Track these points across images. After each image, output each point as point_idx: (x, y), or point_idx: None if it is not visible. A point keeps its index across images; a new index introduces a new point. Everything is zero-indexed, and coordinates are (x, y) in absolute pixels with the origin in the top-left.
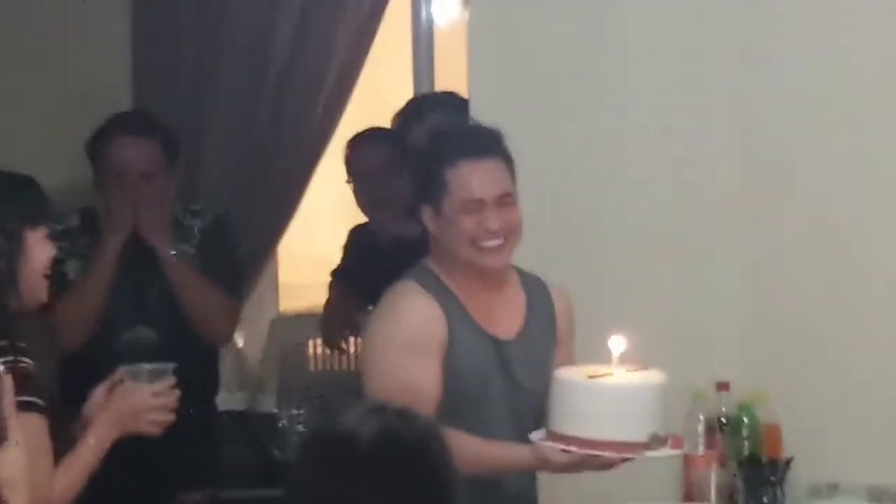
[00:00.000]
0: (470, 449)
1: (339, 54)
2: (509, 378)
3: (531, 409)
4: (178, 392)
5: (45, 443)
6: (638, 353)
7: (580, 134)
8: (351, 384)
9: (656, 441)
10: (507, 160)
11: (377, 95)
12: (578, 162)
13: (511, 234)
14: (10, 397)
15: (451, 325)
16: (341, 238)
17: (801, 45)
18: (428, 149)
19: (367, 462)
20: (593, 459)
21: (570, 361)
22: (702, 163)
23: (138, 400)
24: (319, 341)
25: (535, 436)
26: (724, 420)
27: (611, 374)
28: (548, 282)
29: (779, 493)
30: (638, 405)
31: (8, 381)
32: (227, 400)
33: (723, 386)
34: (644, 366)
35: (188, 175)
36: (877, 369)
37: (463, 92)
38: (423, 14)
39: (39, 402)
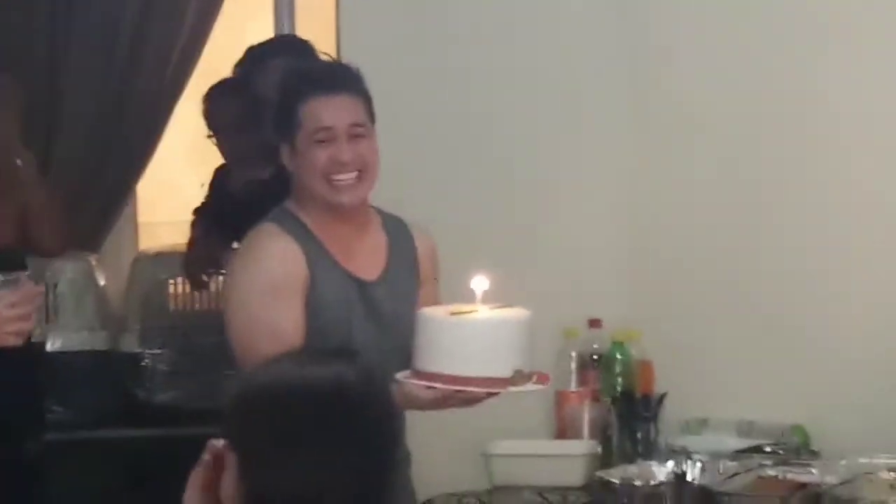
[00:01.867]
0: None
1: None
2: (374, 318)
3: (397, 350)
4: (37, 294)
5: None
6: (508, 290)
7: (446, 69)
8: (214, 322)
9: (521, 376)
10: (364, 97)
11: (234, 39)
12: (445, 97)
13: (365, 168)
14: None
15: (311, 265)
16: (198, 177)
17: None
18: (282, 87)
19: (315, 404)
20: (458, 394)
21: (436, 302)
22: (583, 92)
23: None
24: (180, 280)
25: (401, 375)
26: (596, 357)
27: (474, 311)
28: (410, 223)
29: (652, 428)
30: (501, 340)
31: None
32: (90, 339)
33: (595, 323)
34: (508, 304)
35: (45, 115)
36: (747, 306)
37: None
38: None
39: None
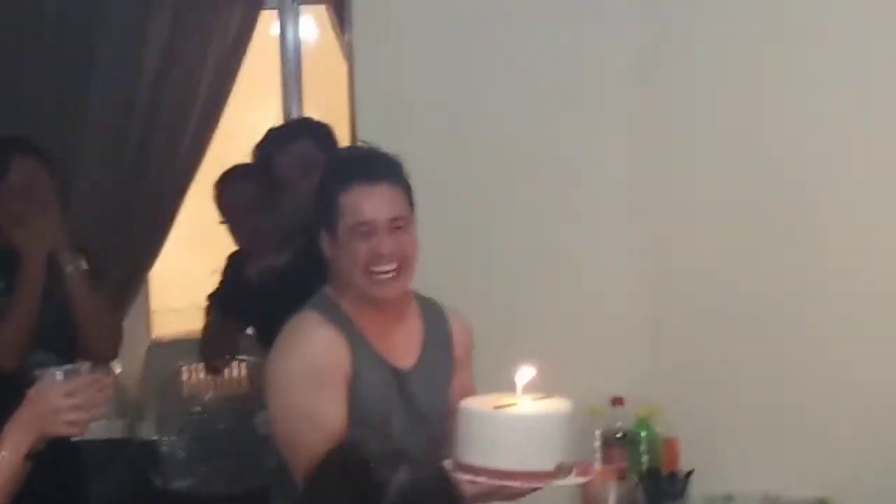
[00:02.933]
0: None
1: (204, 87)
2: (410, 408)
3: (432, 438)
4: (97, 387)
5: None
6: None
7: (464, 156)
8: (229, 408)
9: (563, 469)
10: (405, 187)
11: (243, 127)
12: (462, 183)
13: (405, 261)
14: None
15: (353, 356)
16: (209, 264)
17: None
18: (325, 174)
19: None
20: (502, 490)
21: (470, 386)
22: (591, 178)
23: (51, 400)
24: (193, 367)
25: (444, 466)
26: (620, 435)
27: (516, 404)
28: (445, 306)
29: None
30: (544, 434)
31: None
32: (106, 428)
33: (617, 401)
34: (548, 394)
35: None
36: (770, 382)
37: (340, 118)
38: (291, 39)
39: None
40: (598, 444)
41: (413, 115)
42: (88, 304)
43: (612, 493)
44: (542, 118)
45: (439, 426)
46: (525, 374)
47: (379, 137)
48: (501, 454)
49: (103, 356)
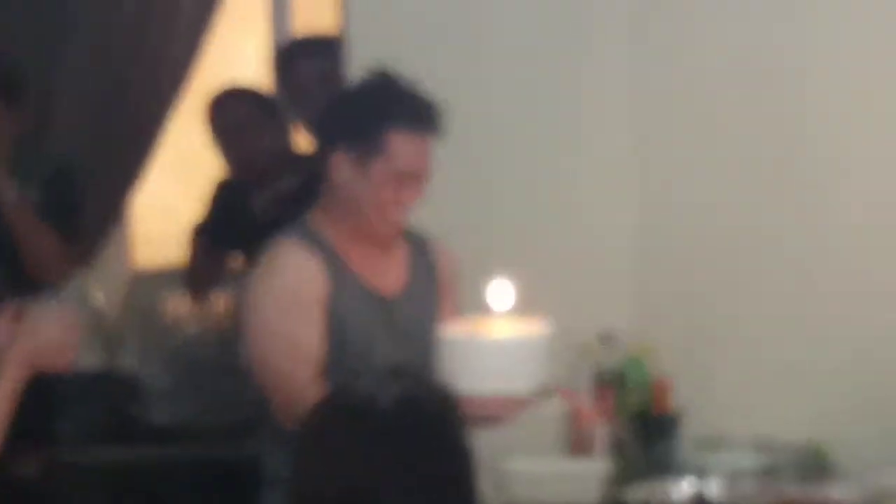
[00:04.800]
0: None
1: (187, 11)
2: (395, 335)
3: (420, 364)
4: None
5: None
6: (522, 303)
7: (459, 73)
8: (212, 340)
9: (544, 393)
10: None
11: (228, 55)
12: (456, 101)
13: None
14: None
15: (332, 280)
16: (193, 193)
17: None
18: (367, 98)
19: (386, 429)
20: (481, 415)
21: (455, 314)
22: (591, 103)
23: (51, 333)
24: (176, 297)
25: None
26: (610, 373)
27: (493, 328)
28: (431, 238)
29: (668, 446)
30: (522, 358)
31: None
32: (86, 359)
33: (609, 339)
34: (527, 316)
35: (38, 127)
36: (763, 321)
37: None
38: None
39: None
40: (588, 381)
41: (406, 40)
42: (26, 231)
43: (600, 433)
44: (540, 47)
45: (427, 353)
46: (499, 289)
47: (370, 62)
48: (479, 379)
49: (46, 282)
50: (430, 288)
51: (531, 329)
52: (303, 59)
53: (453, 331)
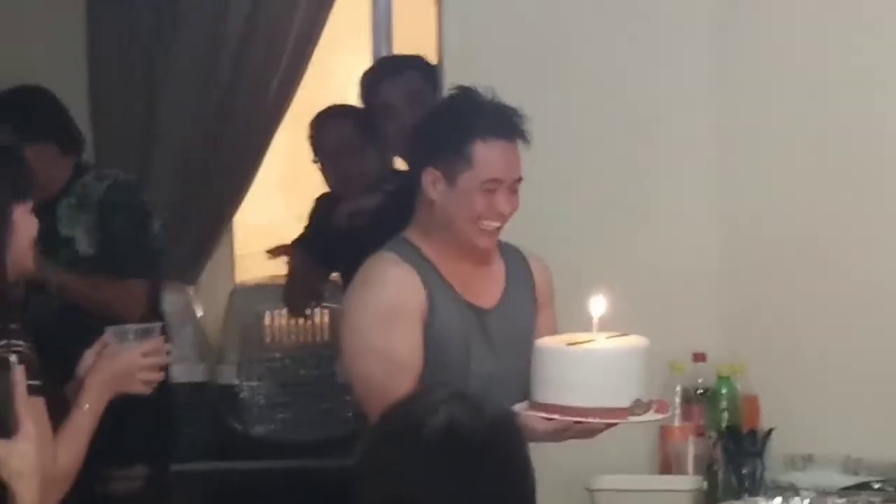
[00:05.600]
0: None
1: (295, 29)
2: (490, 347)
3: (514, 379)
4: (166, 350)
5: (46, 422)
6: (614, 322)
7: (550, 104)
8: (311, 355)
9: (639, 406)
10: (527, 144)
11: (331, 73)
12: (547, 132)
13: (509, 216)
14: (22, 389)
15: (430, 293)
16: (292, 210)
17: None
18: (451, 113)
19: (430, 451)
20: (577, 426)
21: (553, 327)
22: (675, 121)
23: (129, 360)
24: (276, 312)
25: (519, 406)
26: (700, 391)
27: (591, 340)
28: (525, 251)
29: (758, 464)
30: (619, 370)
31: (20, 372)
32: (187, 371)
33: (700, 357)
34: (624, 332)
35: (143, 144)
36: (853, 340)
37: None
38: None
39: (39, 383)
40: (678, 399)
41: (501, 61)
42: (83, 298)
43: (691, 450)
44: (625, 70)
45: (522, 366)
46: (598, 304)
47: (466, 83)
48: (576, 391)
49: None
50: (527, 301)
51: (629, 342)
52: (388, 78)
53: (551, 342)
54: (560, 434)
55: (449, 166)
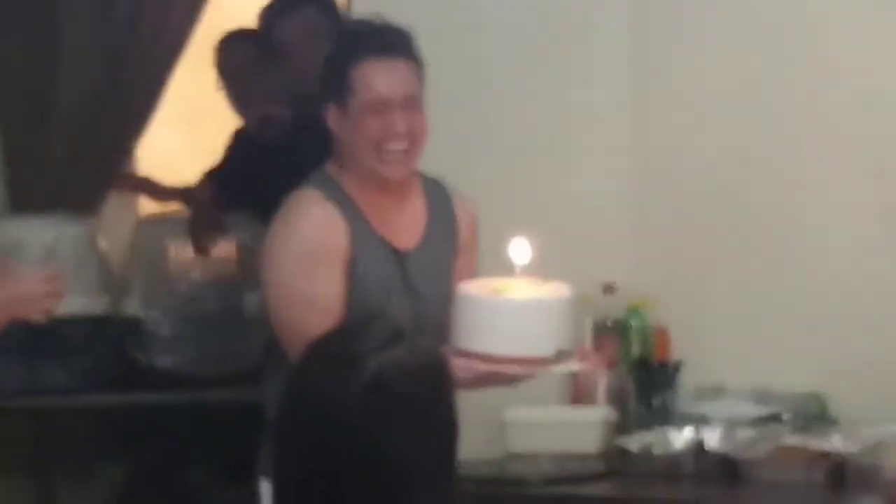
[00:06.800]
0: None
1: None
2: (409, 290)
3: (432, 320)
4: (65, 280)
5: None
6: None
7: (468, 37)
8: (216, 287)
9: (563, 355)
10: (417, 63)
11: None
12: (460, 65)
13: (415, 141)
14: None
15: (353, 235)
16: (198, 144)
17: None
18: (335, 45)
19: (370, 391)
20: (498, 375)
21: (472, 271)
22: (592, 65)
23: (29, 284)
24: (181, 245)
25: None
26: (610, 323)
27: (515, 288)
28: (450, 188)
29: (668, 396)
30: (543, 320)
31: None
32: (90, 303)
33: (610, 288)
34: (546, 278)
35: (44, 74)
36: (763, 272)
37: None
38: None
39: None
40: (589, 332)
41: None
42: None
43: (602, 382)
44: (538, 6)
45: (440, 309)
46: (520, 249)
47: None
48: (499, 339)
49: None
50: (448, 243)
51: (552, 291)
52: (284, 15)
53: (474, 290)
54: (481, 382)
55: (339, 97)
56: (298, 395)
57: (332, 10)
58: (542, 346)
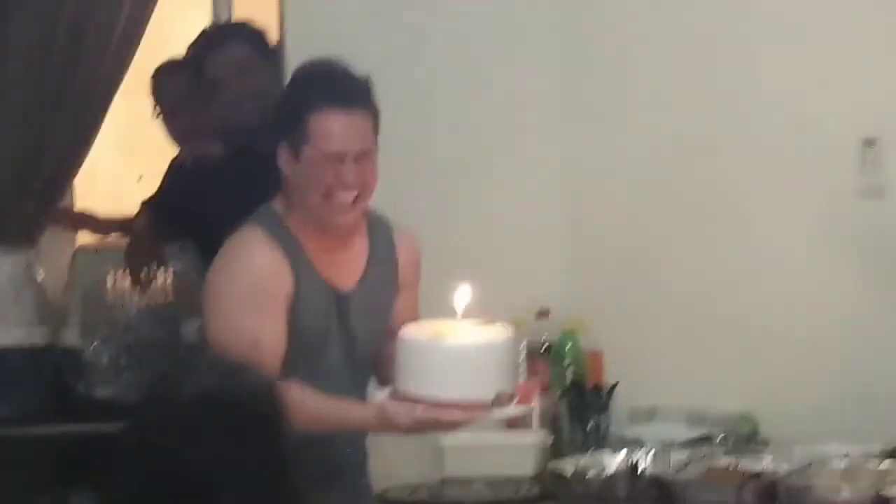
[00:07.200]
0: (313, 404)
1: None
2: (346, 330)
3: (366, 358)
4: None
5: None
6: (454, 280)
7: (397, 70)
8: (155, 316)
9: (502, 398)
10: (375, 113)
11: (171, 33)
12: (393, 95)
13: (365, 189)
14: None
15: (296, 277)
16: (136, 169)
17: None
18: (292, 88)
19: (190, 416)
20: (439, 421)
21: (413, 307)
22: (521, 91)
23: None
24: (119, 274)
25: (380, 395)
26: (545, 347)
27: (455, 332)
28: (393, 225)
29: (602, 418)
30: (482, 364)
31: None
32: (28, 334)
33: (543, 313)
34: (489, 319)
35: None
36: (695, 295)
37: (270, 24)
38: None
39: None
40: (523, 355)
41: (344, 22)
42: None
43: (535, 406)
44: (470, 30)
45: (373, 349)
46: (463, 295)
47: (307, 43)
48: (439, 384)
49: None
50: (387, 282)
51: (493, 334)
52: (212, 51)
53: (414, 333)
54: (421, 427)
55: (293, 141)
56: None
57: (261, 44)
58: (483, 390)
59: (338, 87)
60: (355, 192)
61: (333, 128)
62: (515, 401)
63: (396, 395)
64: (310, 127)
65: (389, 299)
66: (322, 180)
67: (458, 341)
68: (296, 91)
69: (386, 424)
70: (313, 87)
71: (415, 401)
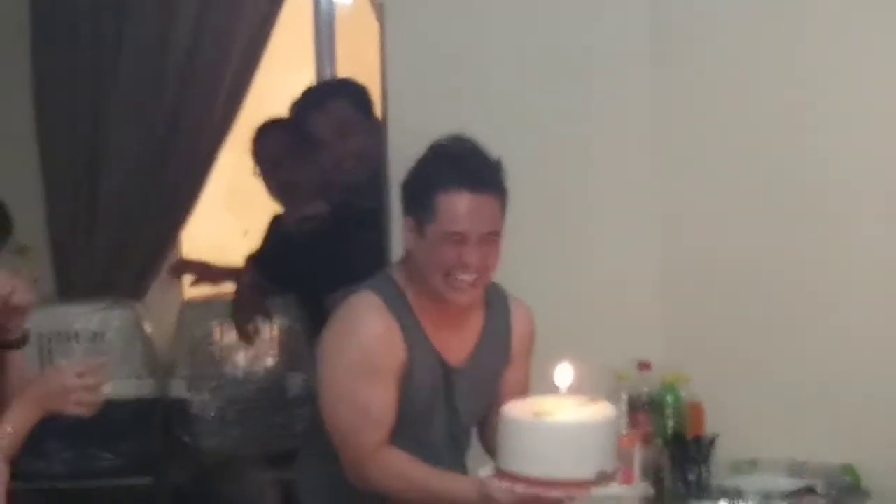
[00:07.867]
0: (422, 475)
1: (238, 49)
2: (450, 405)
3: (467, 431)
4: (106, 371)
5: None
6: (557, 334)
7: (487, 118)
8: (262, 369)
9: (604, 477)
10: (503, 194)
11: (274, 92)
12: (490, 144)
13: (486, 271)
14: None
15: (409, 349)
16: (241, 225)
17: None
18: (423, 163)
19: None
20: (539, 499)
21: (522, 380)
22: (617, 148)
23: (63, 379)
24: (226, 326)
25: (483, 472)
26: (646, 399)
27: (558, 411)
28: (509, 295)
29: (703, 470)
30: (584, 443)
31: None
32: (137, 386)
33: (645, 365)
34: (593, 398)
35: (90, 162)
36: (794, 346)
37: (373, 81)
38: (325, 1)
39: None
40: (624, 408)
41: (445, 78)
42: None
43: (637, 457)
44: (564, 85)
45: (474, 420)
46: (564, 373)
47: (410, 101)
48: (540, 462)
49: None
50: (499, 355)
51: (595, 412)
52: (314, 110)
53: (516, 412)
54: None
55: (418, 217)
56: None
57: (363, 101)
58: (584, 469)
59: (469, 167)
60: (475, 273)
61: (460, 209)
62: (618, 480)
63: (499, 474)
64: (437, 205)
65: (498, 372)
66: (444, 260)
67: (559, 420)
68: (427, 167)
69: (487, 502)
70: (445, 165)
71: (516, 479)
